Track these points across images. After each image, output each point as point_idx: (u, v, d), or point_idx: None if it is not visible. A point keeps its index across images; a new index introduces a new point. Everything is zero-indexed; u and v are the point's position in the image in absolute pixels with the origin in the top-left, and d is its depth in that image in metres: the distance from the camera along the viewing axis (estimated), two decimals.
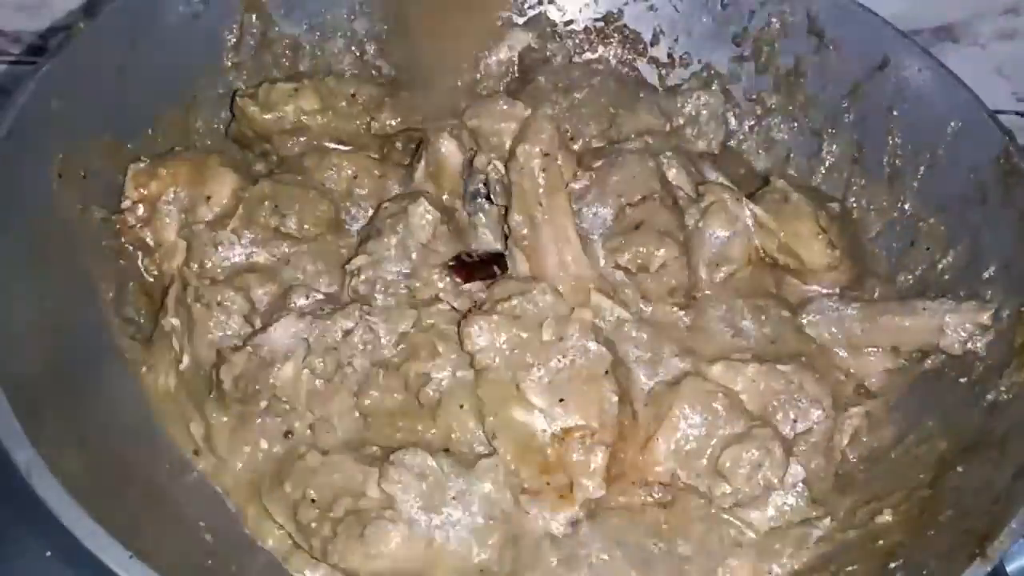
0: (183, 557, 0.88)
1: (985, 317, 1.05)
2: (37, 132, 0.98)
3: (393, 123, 1.22)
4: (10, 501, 0.85)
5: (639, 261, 1.07)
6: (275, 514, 0.94)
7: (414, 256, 1.06)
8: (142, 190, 1.09)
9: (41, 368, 0.89)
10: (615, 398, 0.95)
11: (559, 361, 0.96)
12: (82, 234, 1.04)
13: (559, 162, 1.06)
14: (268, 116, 1.20)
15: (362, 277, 1.05)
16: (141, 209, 1.10)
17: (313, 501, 0.92)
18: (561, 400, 0.95)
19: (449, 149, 1.13)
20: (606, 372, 0.96)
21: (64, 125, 1.01)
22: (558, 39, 1.39)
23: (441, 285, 1.05)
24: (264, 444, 0.98)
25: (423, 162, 1.15)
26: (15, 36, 1.58)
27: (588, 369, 0.96)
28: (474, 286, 1.05)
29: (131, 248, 1.10)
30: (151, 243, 1.10)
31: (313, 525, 0.91)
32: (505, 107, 1.10)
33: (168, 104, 1.19)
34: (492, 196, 1.11)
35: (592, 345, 0.96)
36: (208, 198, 1.10)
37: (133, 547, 0.76)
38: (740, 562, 0.97)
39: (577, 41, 1.41)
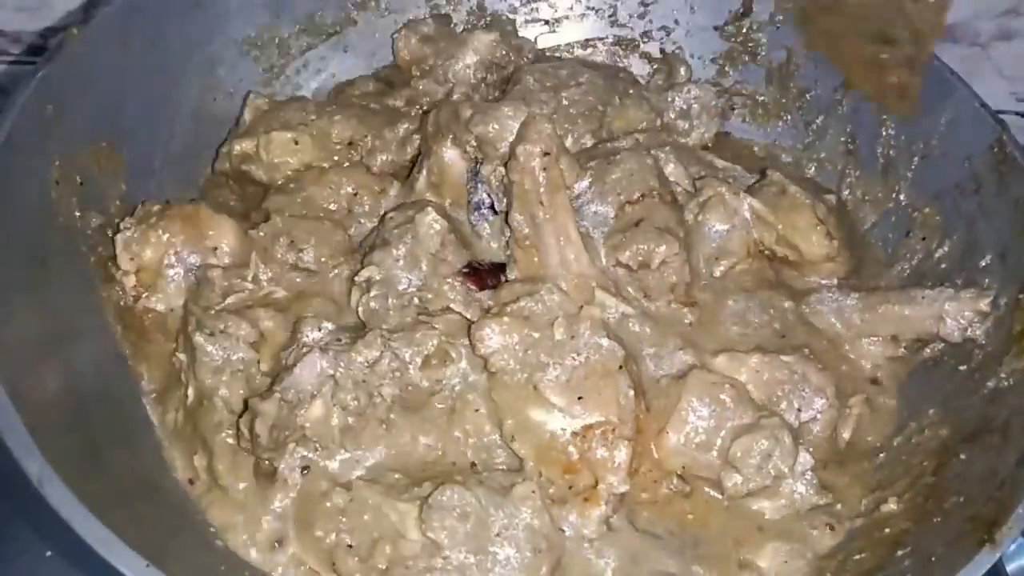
0: (196, 563, 0.87)
1: (984, 304, 1.06)
2: (34, 139, 0.97)
3: (387, 159, 1.22)
4: (10, 500, 0.87)
5: (640, 258, 1.07)
6: (311, 563, 0.92)
7: (424, 266, 1.05)
8: (138, 259, 1.06)
9: (48, 378, 0.89)
10: (631, 392, 0.95)
11: (574, 359, 0.96)
12: (81, 241, 1.03)
13: (561, 164, 1.05)
14: (266, 174, 1.21)
15: (372, 293, 1.03)
16: (133, 280, 1.07)
17: (350, 547, 0.90)
18: (580, 398, 0.95)
19: (452, 157, 1.12)
20: (620, 367, 0.96)
21: (59, 131, 1.01)
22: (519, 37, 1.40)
23: (452, 295, 1.04)
24: (284, 482, 0.94)
25: (424, 172, 1.14)
26: (15, 36, 1.57)
27: (603, 365, 0.96)
28: (484, 294, 1.05)
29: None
30: (161, 309, 1.07)
31: None
32: (511, 113, 1.09)
33: (162, 109, 1.18)
34: (496, 206, 1.10)
35: (604, 341, 0.97)
36: (215, 249, 1.08)
37: (146, 554, 0.76)
38: (764, 546, 0.97)
39: (568, 39, 1.43)
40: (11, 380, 0.82)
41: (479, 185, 1.11)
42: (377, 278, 1.04)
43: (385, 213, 1.13)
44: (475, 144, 1.10)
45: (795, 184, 1.18)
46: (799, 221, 1.16)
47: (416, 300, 1.04)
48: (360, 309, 1.04)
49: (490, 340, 0.97)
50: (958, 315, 1.07)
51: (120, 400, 1.00)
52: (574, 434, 0.94)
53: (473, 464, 0.97)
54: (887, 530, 0.97)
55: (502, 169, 1.07)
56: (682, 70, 1.39)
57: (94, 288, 1.03)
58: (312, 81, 1.36)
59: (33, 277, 0.93)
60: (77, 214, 1.03)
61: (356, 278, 1.06)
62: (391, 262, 1.05)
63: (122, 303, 1.06)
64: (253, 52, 1.30)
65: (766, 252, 1.17)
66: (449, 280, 1.05)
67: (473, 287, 1.05)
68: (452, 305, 1.04)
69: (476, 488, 0.91)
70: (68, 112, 1.01)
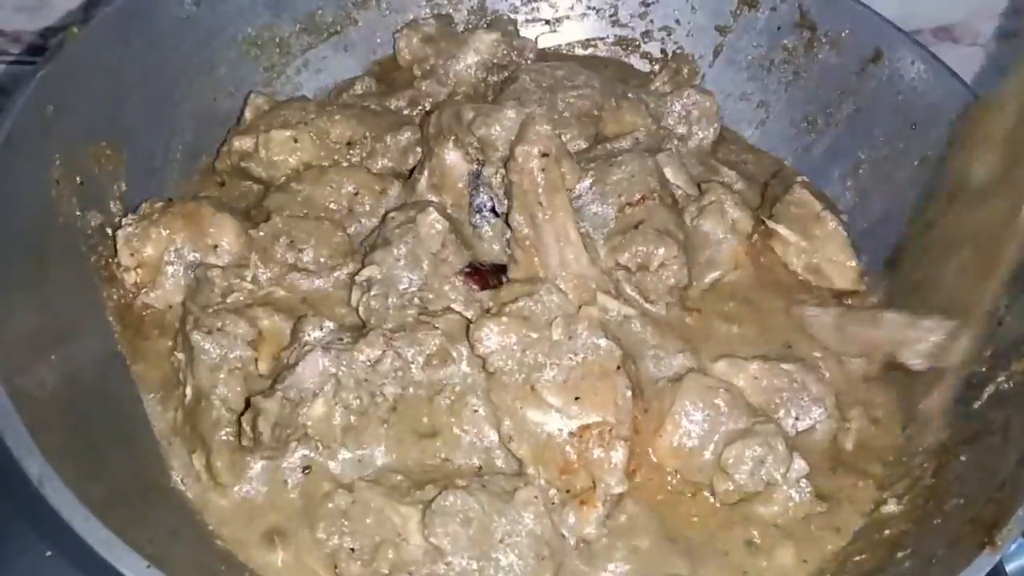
0: (196, 563, 0.87)
1: (936, 337, 1.04)
2: (34, 139, 0.97)
3: (387, 164, 1.22)
4: (10, 500, 0.86)
5: (639, 260, 1.07)
6: (313, 565, 0.91)
7: (425, 266, 1.05)
8: (138, 254, 1.07)
9: (48, 377, 0.89)
10: (629, 392, 0.95)
11: (571, 359, 0.96)
12: (81, 240, 1.03)
13: (562, 166, 1.05)
14: (265, 172, 1.20)
15: (373, 292, 1.03)
16: (134, 276, 1.07)
17: (353, 551, 0.90)
18: (577, 398, 0.95)
19: (453, 159, 1.12)
20: (618, 367, 0.96)
21: (60, 131, 1.01)
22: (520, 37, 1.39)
23: (453, 296, 1.04)
24: (284, 482, 0.95)
25: (426, 173, 1.14)
26: (15, 36, 1.57)
27: (600, 365, 0.96)
28: (484, 294, 1.04)
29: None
30: (159, 306, 1.07)
31: None
32: (513, 115, 1.08)
33: (163, 108, 1.18)
34: (497, 208, 1.10)
35: (602, 341, 0.96)
36: (215, 247, 1.08)
37: (147, 554, 0.76)
38: (768, 549, 0.97)
39: (569, 39, 1.43)
40: (11, 380, 0.82)
41: (480, 187, 1.11)
42: (378, 277, 1.04)
43: (386, 213, 1.13)
44: (477, 146, 1.10)
45: (820, 201, 1.17)
46: (832, 251, 1.16)
47: (417, 300, 1.03)
48: (360, 308, 1.04)
49: (488, 340, 0.97)
50: (916, 344, 1.05)
51: (120, 400, 1.00)
52: (571, 434, 0.94)
53: (480, 468, 0.97)
54: (887, 532, 0.97)
55: (504, 171, 1.07)
56: (686, 71, 1.39)
57: (94, 288, 1.03)
58: (312, 80, 1.36)
59: (33, 276, 0.93)
60: (77, 213, 1.03)
61: (356, 277, 1.06)
62: (392, 261, 1.05)
63: (122, 301, 1.06)
64: (253, 51, 1.30)
65: (790, 269, 1.17)
66: (451, 280, 1.05)
67: (475, 287, 1.05)
68: (453, 305, 1.03)
69: (479, 493, 0.91)
70: (68, 112, 1.01)
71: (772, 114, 1.37)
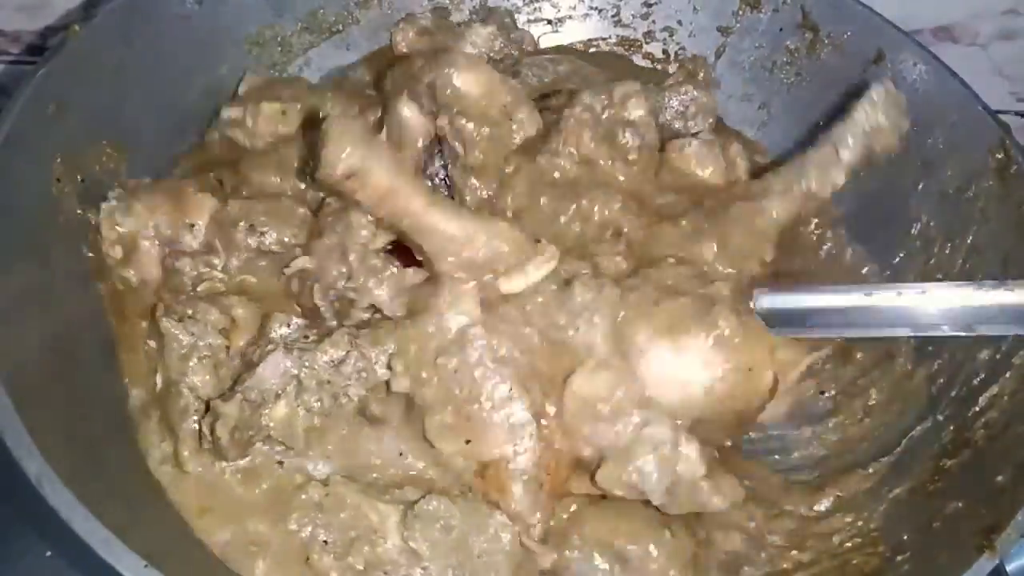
0: (195, 563, 0.88)
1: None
2: (35, 138, 0.97)
3: None
4: (11, 501, 0.88)
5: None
6: (287, 556, 0.89)
7: (351, 258, 0.98)
8: (119, 228, 1.06)
9: (48, 378, 0.89)
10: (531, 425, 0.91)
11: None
12: (82, 239, 1.03)
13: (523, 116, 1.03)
14: (248, 141, 1.20)
15: (309, 283, 1.00)
16: (120, 251, 1.06)
17: (326, 543, 0.89)
18: (468, 441, 0.92)
19: (408, 114, 1.05)
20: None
21: (61, 129, 1.01)
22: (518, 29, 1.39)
23: (378, 292, 0.97)
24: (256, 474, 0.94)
25: (383, 132, 1.07)
26: (15, 36, 1.57)
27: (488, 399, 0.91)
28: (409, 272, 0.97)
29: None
30: (134, 281, 1.06)
31: (333, 575, 0.89)
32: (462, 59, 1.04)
33: (164, 107, 1.18)
34: (450, 177, 1.05)
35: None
36: (192, 226, 1.07)
37: (144, 552, 0.76)
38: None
39: (571, 39, 1.43)
40: (11, 380, 0.81)
41: (436, 155, 1.06)
42: (311, 268, 1.00)
43: (323, 199, 1.07)
44: (431, 96, 1.04)
45: None
46: None
47: (349, 293, 0.99)
48: (302, 301, 1.01)
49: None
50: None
51: (120, 399, 0.99)
52: (475, 474, 0.92)
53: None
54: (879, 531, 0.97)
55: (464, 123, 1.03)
56: (701, 74, 1.39)
57: (95, 287, 1.03)
58: (314, 79, 1.36)
59: (33, 275, 0.93)
60: (78, 212, 1.03)
61: (285, 270, 1.02)
62: (323, 252, 1.00)
63: (123, 300, 1.06)
64: (255, 50, 1.29)
65: None
66: (377, 275, 0.98)
67: (398, 264, 0.98)
68: (376, 303, 0.98)
69: (461, 503, 0.90)
70: (70, 110, 1.01)
71: (774, 115, 1.36)
